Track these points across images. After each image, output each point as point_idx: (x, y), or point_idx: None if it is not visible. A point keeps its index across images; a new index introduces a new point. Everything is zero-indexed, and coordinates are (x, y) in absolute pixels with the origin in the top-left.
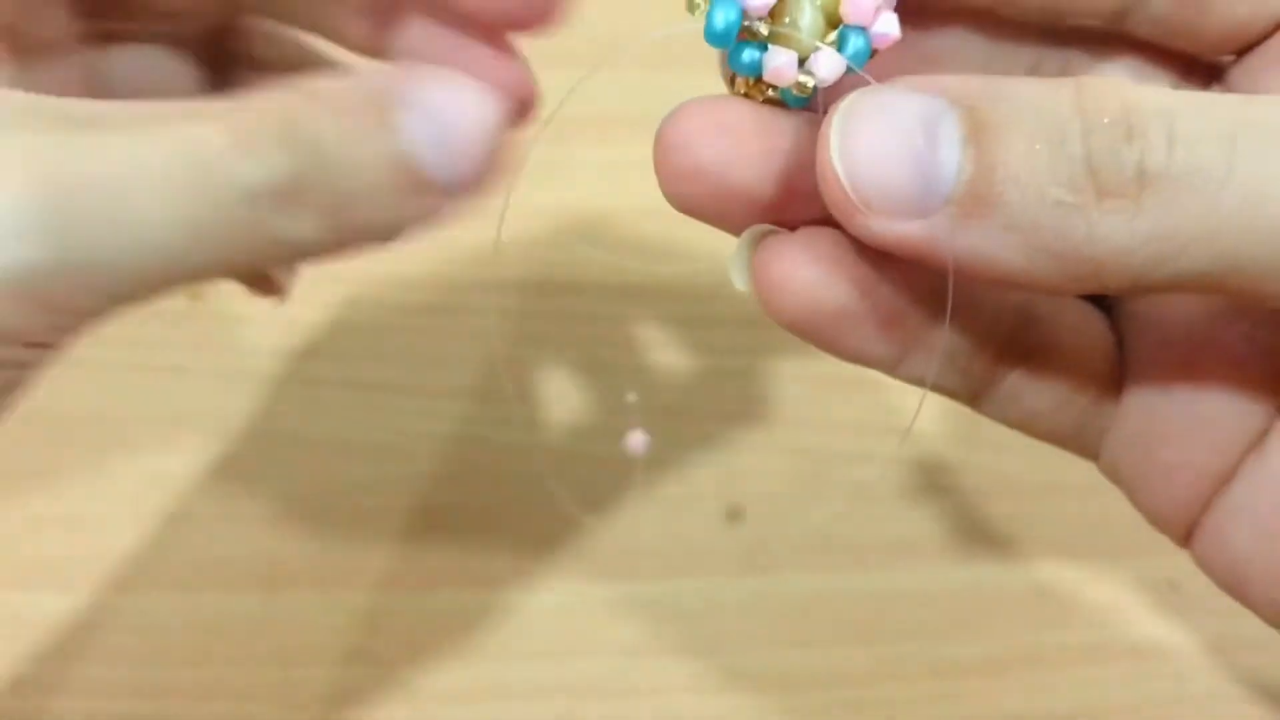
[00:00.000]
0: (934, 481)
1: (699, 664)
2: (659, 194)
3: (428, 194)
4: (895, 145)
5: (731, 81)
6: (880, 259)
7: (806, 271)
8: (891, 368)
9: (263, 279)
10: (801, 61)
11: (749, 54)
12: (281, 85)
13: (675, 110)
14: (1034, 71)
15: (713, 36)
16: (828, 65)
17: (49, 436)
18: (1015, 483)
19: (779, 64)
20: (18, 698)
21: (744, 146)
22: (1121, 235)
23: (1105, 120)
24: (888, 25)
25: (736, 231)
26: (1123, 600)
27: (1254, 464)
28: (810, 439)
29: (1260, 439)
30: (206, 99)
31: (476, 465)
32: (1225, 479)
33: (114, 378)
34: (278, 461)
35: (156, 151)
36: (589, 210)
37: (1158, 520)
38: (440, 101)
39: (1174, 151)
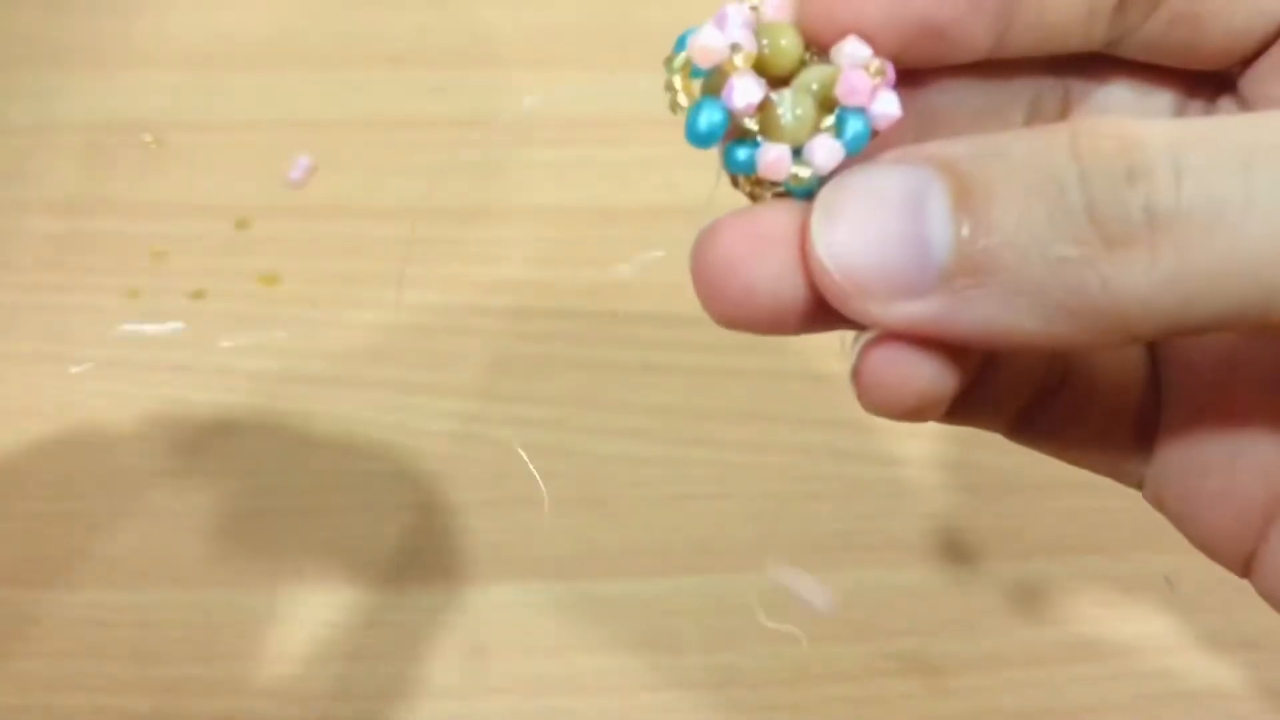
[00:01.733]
0: (932, 480)
1: (697, 661)
2: (659, 193)
3: None
4: (881, 226)
5: (735, 182)
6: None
7: (923, 370)
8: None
9: None
10: (799, 151)
11: (744, 152)
12: None
13: (709, 230)
14: (1035, 104)
15: (695, 138)
16: (824, 153)
17: (49, 436)
18: (1012, 480)
19: (772, 158)
20: (21, 695)
21: (794, 254)
22: (1141, 284)
23: (1103, 164)
24: (887, 104)
25: (787, 333)
26: (1119, 597)
27: None
28: (810, 439)
29: None
30: None
31: (477, 464)
32: (1278, 506)
33: (115, 377)
34: (278, 461)
35: None
36: (591, 209)
37: (1211, 551)
38: None
39: (1183, 187)
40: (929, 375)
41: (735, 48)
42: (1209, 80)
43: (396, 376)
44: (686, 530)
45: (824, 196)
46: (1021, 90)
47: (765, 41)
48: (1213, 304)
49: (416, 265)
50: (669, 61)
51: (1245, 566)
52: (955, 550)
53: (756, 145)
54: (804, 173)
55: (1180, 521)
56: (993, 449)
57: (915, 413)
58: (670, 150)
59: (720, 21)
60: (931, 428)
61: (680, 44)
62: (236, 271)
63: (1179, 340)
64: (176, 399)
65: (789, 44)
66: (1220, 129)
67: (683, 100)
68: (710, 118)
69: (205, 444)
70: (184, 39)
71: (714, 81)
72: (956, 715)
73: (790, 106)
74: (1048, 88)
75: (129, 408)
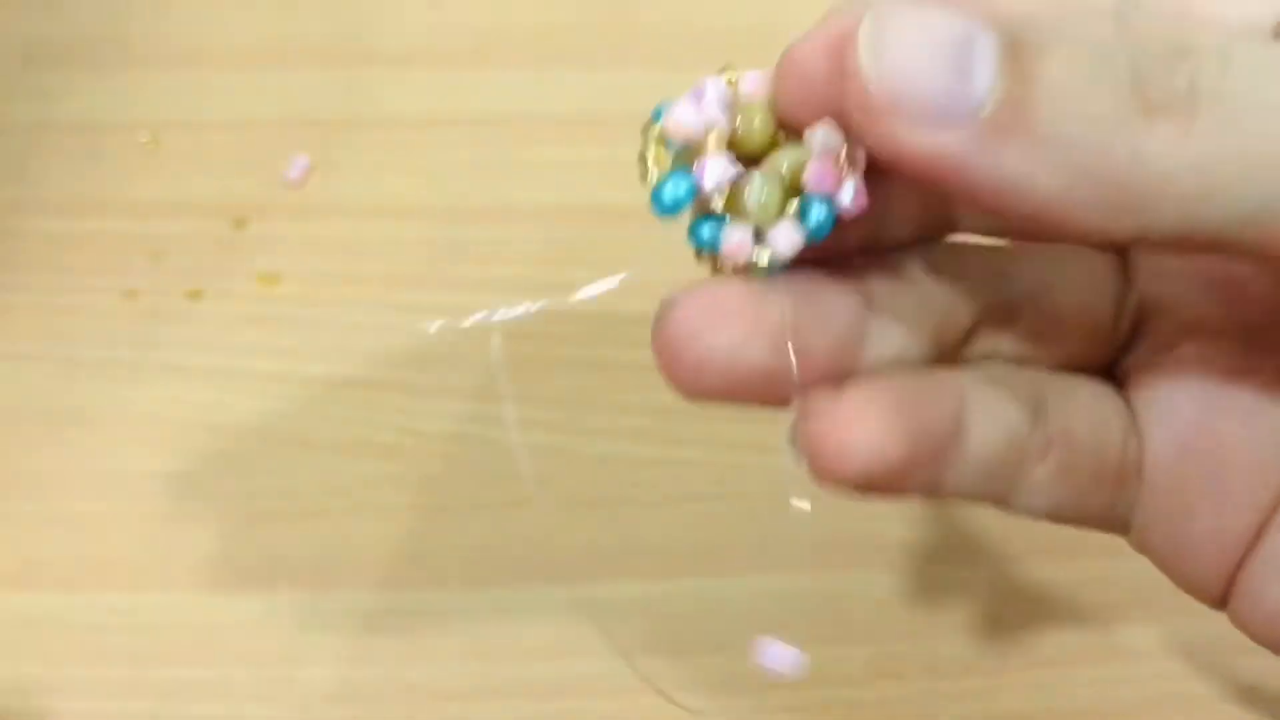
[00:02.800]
0: None
1: (699, 663)
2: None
3: None
4: (929, 54)
5: (698, 254)
6: (923, 391)
7: (871, 433)
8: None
9: None
10: (761, 233)
11: (708, 230)
12: None
13: (667, 304)
14: None
15: (660, 209)
16: (785, 239)
17: (48, 436)
18: None
19: (735, 241)
20: (18, 697)
21: (749, 325)
22: (1169, 158)
23: (1155, 39)
24: (851, 195)
25: (744, 405)
26: (1121, 599)
27: None
28: None
29: None
30: None
31: (476, 465)
32: (1257, 538)
33: (114, 377)
34: (278, 461)
35: None
36: (589, 209)
37: (1191, 589)
38: None
39: (1228, 73)
40: (869, 439)
41: (709, 126)
42: None
43: (396, 376)
44: (687, 532)
45: (875, 13)
46: None
47: (739, 120)
48: (1230, 200)
49: (415, 265)
50: (645, 130)
51: (1222, 600)
52: (955, 551)
53: (722, 222)
54: (764, 259)
55: (1164, 564)
56: None
57: (864, 478)
58: None
59: (697, 97)
60: None
61: (657, 115)
62: (235, 271)
63: (1158, 381)
64: (175, 399)
65: (762, 126)
66: (1268, 45)
67: (653, 174)
68: (675, 191)
69: (204, 445)
70: (181, 38)
71: (687, 153)
72: (958, 717)
73: (757, 191)
74: None
75: (128, 408)
